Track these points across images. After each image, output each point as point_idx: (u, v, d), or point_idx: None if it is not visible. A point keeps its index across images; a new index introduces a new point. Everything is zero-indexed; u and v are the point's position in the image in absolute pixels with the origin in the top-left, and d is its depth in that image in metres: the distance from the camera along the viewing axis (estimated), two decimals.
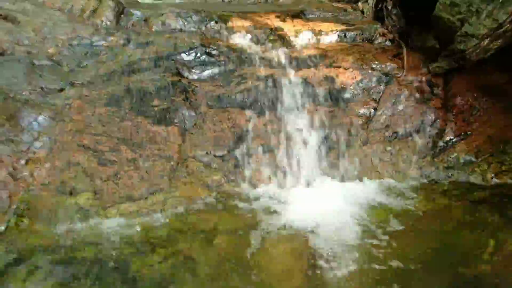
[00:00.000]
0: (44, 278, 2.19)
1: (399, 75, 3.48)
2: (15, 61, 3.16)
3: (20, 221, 2.56)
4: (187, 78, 3.31)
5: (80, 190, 2.74)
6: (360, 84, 3.43)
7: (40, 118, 2.91)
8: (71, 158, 2.82)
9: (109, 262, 2.32)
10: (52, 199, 2.66)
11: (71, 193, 2.71)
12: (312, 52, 3.59)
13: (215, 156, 3.09)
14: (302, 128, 3.25)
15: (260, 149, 3.16)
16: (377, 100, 3.40)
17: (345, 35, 3.90)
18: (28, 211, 2.60)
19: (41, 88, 3.07)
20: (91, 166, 2.82)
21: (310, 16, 4.22)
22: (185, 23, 3.72)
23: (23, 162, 2.74)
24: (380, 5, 4.24)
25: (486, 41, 3.04)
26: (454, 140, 3.26)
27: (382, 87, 3.44)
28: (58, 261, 2.31)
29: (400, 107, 3.37)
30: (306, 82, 3.37)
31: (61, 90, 3.10)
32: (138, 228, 2.62)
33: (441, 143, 3.27)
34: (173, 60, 3.33)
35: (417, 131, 3.31)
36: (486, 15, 2.96)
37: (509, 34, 3.02)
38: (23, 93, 3.00)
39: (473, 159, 3.16)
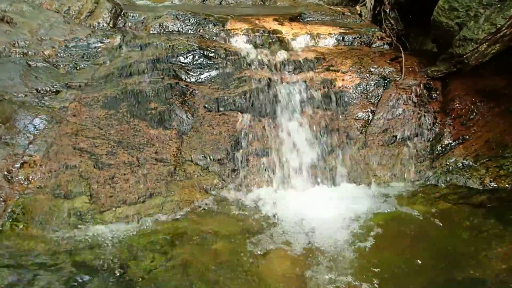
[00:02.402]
0: (40, 283, 2.15)
1: (397, 78, 3.48)
2: (11, 62, 3.14)
3: (15, 225, 2.53)
4: (184, 80, 3.29)
5: (76, 193, 2.71)
6: (359, 88, 3.43)
7: (36, 120, 2.89)
8: (67, 161, 2.79)
9: (105, 266, 2.30)
10: (48, 203, 2.63)
11: (67, 197, 2.69)
12: (310, 55, 3.59)
13: (212, 159, 3.07)
14: (300, 132, 3.24)
15: (257, 152, 3.15)
16: (376, 103, 3.39)
17: (343, 39, 3.90)
18: (23, 215, 2.57)
19: (37, 90, 3.05)
20: (88, 170, 2.79)
21: (308, 19, 4.22)
22: (183, 26, 3.71)
23: (18, 165, 2.71)
24: (378, 9, 4.24)
25: (485, 46, 3.04)
26: (453, 144, 3.26)
27: (380, 90, 3.44)
28: (54, 265, 2.28)
29: (399, 111, 3.37)
30: (304, 85, 3.36)
31: (58, 92, 3.08)
32: (135, 232, 2.60)
33: (439, 147, 3.27)
34: (170, 62, 3.31)
35: (416, 135, 3.31)
36: (484, 19, 2.96)
37: (507, 39, 3.02)
38: (19, 95, 2.97)
39: (471, 163, 3.16)
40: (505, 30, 2.93)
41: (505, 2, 2.85)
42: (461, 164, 3.17)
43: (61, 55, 3.28)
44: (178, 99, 3.18)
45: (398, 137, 3.30)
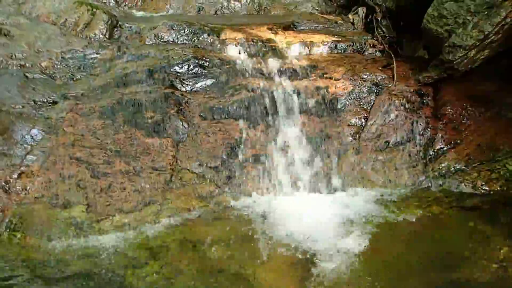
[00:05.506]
0: None
1: (389, 85, 3.53)
2: (9, 74, 3.18)
3: (13, 235, 2.55)
4: (180, 90, 3.33)
5: (74, 203, 2.73)
6: (351, 95, 3.48)
7: (34, 131, 2.92)
8: (65, 171, 2.82)
9: (103, 275, 2.32)
10: (46, 213, 2.66)
11: (64, 206, 2.71)
12: (304, 63, 3.64)
13: (208, 167, 3.11)
14: (295, 138, 3.28)
15: (253, 159, 3.18)
16: (368, 110, 3.44)
17: (336, 46, 3.96)
18: (21, 224, 2.59)
19: (34, 101, 3.08)
20: (85, 179, 2.82)
21: (301, 28, 4.28)
22: (178, 36, 3.76)
23: (16, 175, 2.74)
24: (370, 17, 4.31)
25: (473, 52, 3.10)
26: (445, 148, 3.30)
27: (372, 97, 3.49)
28: (52, 275, 2.30)
29: (391, 117, 3.41)
30: (298, 93, 3.41)
31: (55, 103, 3.12)
32: (132, 240, 2.62)
33: (431, 152, 3.31)
34: (166, 72, 3.36)
35: (408, 140, 3.35)
36: (472, 26, 3.02)
37: (496, 45, 3.09)
38: (17, 107, 3.01)
39: (464, 167, 3.20)
40: (493, 37, 3.00)
41: (492, 10, 2.92)
42: (453, 168, 3.21)
43: (58, 66, 3.32)
44: (174, 108, 3.23)
45: (391, 142, 3.35)
